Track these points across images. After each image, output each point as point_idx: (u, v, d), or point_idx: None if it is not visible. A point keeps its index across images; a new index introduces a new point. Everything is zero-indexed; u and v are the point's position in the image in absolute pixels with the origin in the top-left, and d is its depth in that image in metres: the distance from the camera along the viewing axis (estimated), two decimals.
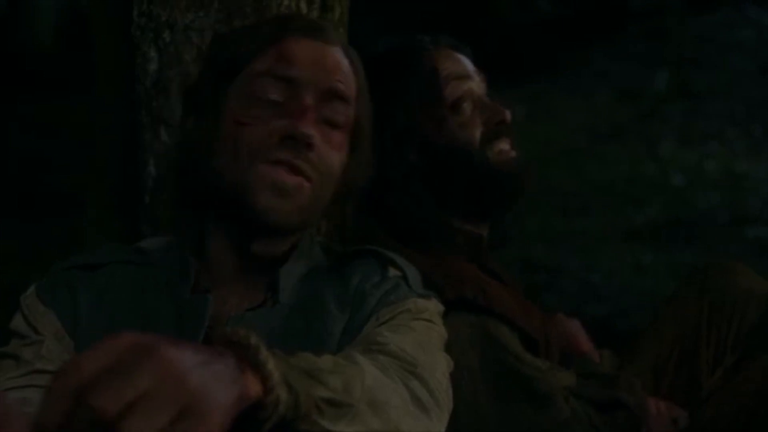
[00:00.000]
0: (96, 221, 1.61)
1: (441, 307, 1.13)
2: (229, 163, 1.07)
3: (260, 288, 1.10)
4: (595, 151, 4.98)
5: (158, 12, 1.39)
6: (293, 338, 1.03)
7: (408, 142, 1.39)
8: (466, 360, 1.26)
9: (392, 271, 1.12)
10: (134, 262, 1.15)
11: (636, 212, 4.31)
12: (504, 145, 1.44)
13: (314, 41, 1.12)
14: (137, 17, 1.42)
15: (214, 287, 1.10)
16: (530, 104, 5.04)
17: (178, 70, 1.39)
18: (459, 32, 1.55)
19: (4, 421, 0.66)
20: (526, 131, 4.23)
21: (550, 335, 1.42)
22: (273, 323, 1.05)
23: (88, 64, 1.63)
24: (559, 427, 1.29)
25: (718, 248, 3.75)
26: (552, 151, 4.75)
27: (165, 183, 1.41)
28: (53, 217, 3.67)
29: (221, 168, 1.08)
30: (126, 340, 0.64)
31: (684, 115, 5.29)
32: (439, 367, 1.01)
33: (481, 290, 1.31)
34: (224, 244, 1.12)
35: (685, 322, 1.50)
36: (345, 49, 1.15)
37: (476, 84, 1.44)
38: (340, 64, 1.13)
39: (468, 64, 1.46)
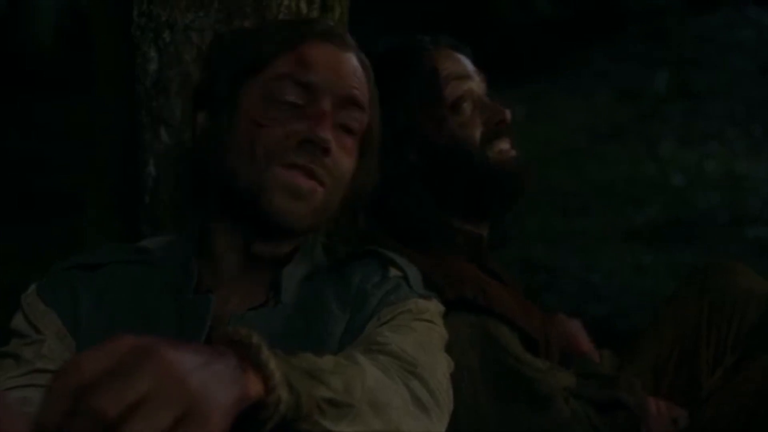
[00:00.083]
0: (96, 221, 1.60)
1: (441, 308, 1.13)
2: (244, 164, 1.08)
3: (262, 288, 1.10)
4: (595, 151, 4.98)
5: (158, 12, 1.39)
6: (294, 338, 1.03)
7: (408, 142, 1.39)
8: (466, 360, 1.26)
9: (393, 272, 1.12)
10: (135, 261, 1.15)
11: (636, 212, 4.31)
12: (504, 145, 1.44)
13: (332, 46, 1.13)
14: (137, 17, 1.42)
15: (216, 287, 1.10)
16: (530, 104, 5.04)
17: (178, 70, 1.39)
18: (459, 32, 1.55)
19: (4, 420, 0.66)
20: (526, 131, 4.23)
21: (550, 335, 1.42)
22: (274, 323, 1.05)
23: (88, 64, 1.63)
24: (558, 428, 1.29)
25: (718, 248, 3.75)
26: (552, 151, 4.75)
27: (166, 182, 1.41)
28: (53, 217, 3.67)
29: (235, 168, 1.09)
30: (126, 342, 0.64)
31: (684, 115, 5.30)
32: (439, 368, 1.01)
33: (481, 290, 1.31)
34: (228, 243, 1.12)
35: (685, 322, 1.50)
36: (359, 55, 1.16)
37: (476, 84, 1.44)
38: (356, 70, 1.14)
39: (468, 64, 1.46)
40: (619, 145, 5.04)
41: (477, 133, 1.41)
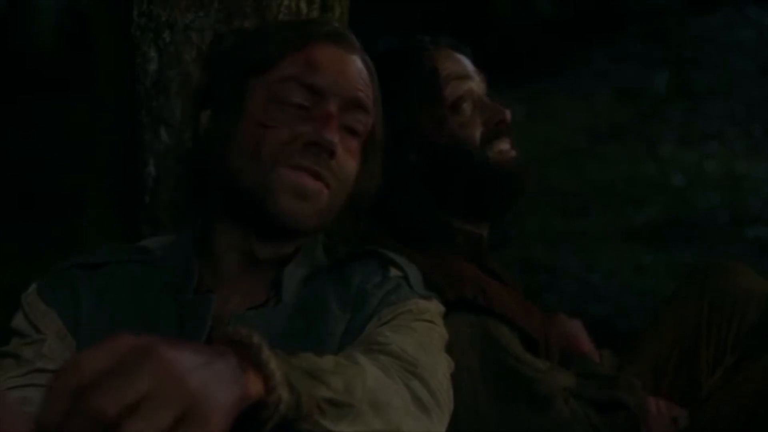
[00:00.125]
0: (96, 221, 1.60)
1: (442, 308, 1.13)
2: (248, 164, 1.08)
3: (263, 287, 1.10)
4: (595, 151, 4.98)
5: (158, 12, 1.39)
6: (295, 338, 1.03)
7: (408, 142, 1.39)
8: (466, 360, 1.26)
9: (393, 272, 1.12)
10: (136, 261, 1.15)
11: (636, 212, 4.31)
12: (504, 145, 1.44)
13: (338, 48, 1.13)
14: (137, 17, 1.42)
15: (217, 287, 1.10)
16: (530, 104, 5.04)
17: (178, 70, 1.39)
18: (459, 32, 1.55)
19: (4, 420, 0.66)
20: (526, 131, 4.23)
21: (550, 335, 1.42)
22: (275, 323, 1.05)
23: (88, 64, 1.63)
24: (558, 428, 1.28)
25: (718, 248, 3.75)
26: (552, 151, 4.75)
27: (166, 182, 1.41)
28: (53, 217, 3.67)
29: (239, 168, 1.09)
30: (126, 342, 0.64)
31: (684, 115, 5.30)
32: (440, 368, 1.01)
33: (481, 290, 1.31)
34: (229, 243, 1.12)
35: (685, 322, 1.50)
36: (363, 57, 1.16)
37: (476, 84, 1.44)
38: (362, 72, 1.14)
39: (468, 64, 1.46)
40: (619, 145, 5.04)
41: (477, 133, 1.41)
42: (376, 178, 1.19)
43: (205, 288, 1.10)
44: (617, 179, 4.64)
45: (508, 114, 1.43)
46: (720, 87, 5.49)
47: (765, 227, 4.01)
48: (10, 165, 4.43)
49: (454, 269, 1.33)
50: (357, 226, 1.19)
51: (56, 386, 0.62)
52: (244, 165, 1.08)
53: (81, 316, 1.08)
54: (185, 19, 1.38)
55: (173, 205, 1.40)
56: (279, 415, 0.74)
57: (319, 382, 0.80)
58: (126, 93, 1.49)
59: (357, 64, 1.14)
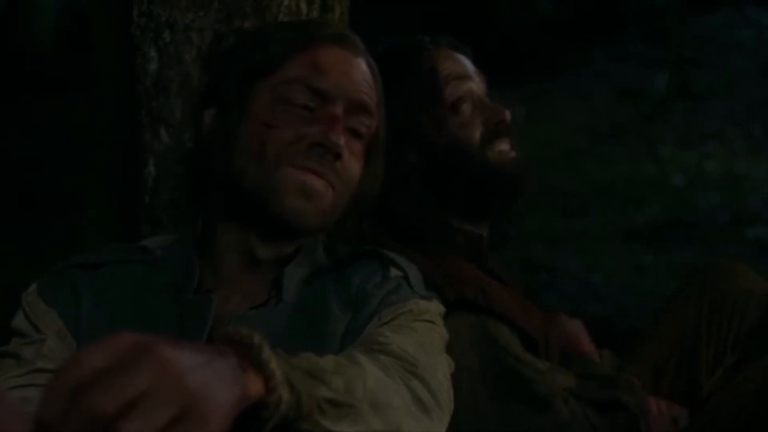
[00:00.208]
0: (96, 221, 1.60)
1: (442, 309, 1.13)
2: (253, 164, 1.08)
3: (263, 287, 1.10)
4: (595, 151, 4.98)
5: (158, 12, 1.39)
6: (295, 338, 1.03)
7: (408, 142, 1.39)
8: (466, 360, 1.26)
9: (394, 272, 1.12)
10: (136, 261, 1.15)
11: (636, 212, 4.31)
12: (504, 146, 1.44)
13: (343, 50, 1.14)
14: (137, 17, 1.42)
15: (217, 286, 1.10)
16: (530, 104, 5.04)
17: (178, 70, 1.39)
18: (459, 32, 1.55)
19: (4, 420, 0.66)
20: (526, 131, 4.23)
21: (550, 335, 1.42)
22: (275, 322, 1.05)
23: (88, 64, 1.63)
24: (558, 428, 1.29)
25: (718, 248, 3.75)
26: (552, 151, 4.75)
27: (166, 182, 1.41)
28: (53, 217, 3.67)
29: (243, 168, 1.09)
30: (126, 340, 0.64)
31: (684, 116, 5.30)
32: (440, 368, 1.01)
33: (481, 290, 1.31)
34: (230, 243, 1.12)
35: (685, 322, 1.50)
36: (368, 59, 1.17)
37: (476, 84, 1.44)
38: (366, 75, 1.15)
39: (468, 64, 1.46)
40: (619, 145, 5.04)
41: (477, 134, 1.41)
42: (379, 180, 1.20)
43: (205, 288, 1.10)
44: (617, 179, 4.64)
45: (507, 114, 1.43)
46: (720, 87, 5.49)
47: (765, 227, 4.01)
48: (10, 165, 4.43)
49: (454, 269, 1.33)
50: (359, 227, 1.20)
51: (56, 384, 0.62)
52: (247, 165, 1.09)
53: (81, 316, 1.08)
54: (185, 19, 1.38)
55: (173, 205, 1.40)
56: (279, 415, 0.74)
57: (320, 382, 0.80)
58: (126, 93, 1.49)
59: (362, 67, 1.15)
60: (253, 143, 1.09)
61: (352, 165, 1.13)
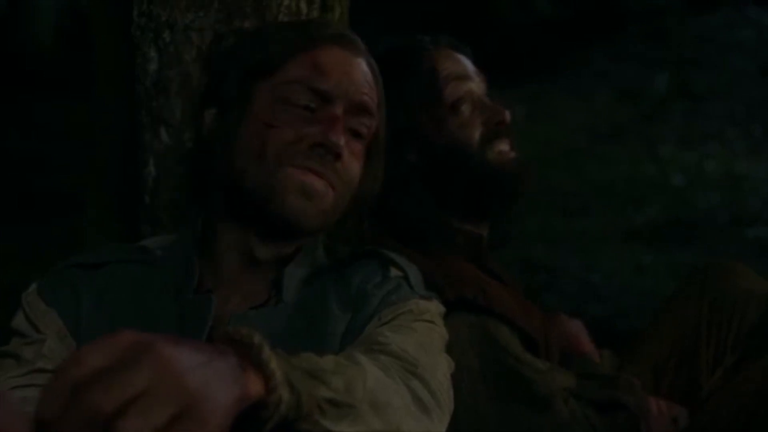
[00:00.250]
0: (96, 221, 1.60)
1: (442, 309, 1.13)
2: (253, 164, 1.08)
3: (263, 287, 1.10)
4: (595, 151, 4.98)
5: (158, 12, 1.39)
6: (295, 338, 1.03)
7: (408, 142, 1.39)
8: (466, 360, 1.26)
9: (394, 272, 1.12)
10: (136, 261, 1.15)
11: (636, 212, 4.31)
12: (503, 146, 1.44)
13: (344, 51, 1.14)
14: (137, 17, 1.42)
15: (217, 286, 1.10)
16: (530, 104, 5.04)
17: (178, 70, 1.39)
18: (459, 32, 1.55)
19: (4, 420, 0.66)
20: (526, 131, 4.23)
21: (550, 335, 1.42)
22: (275, 322, 1.05)
23: (88, 64, 1.63)
24: (558, 428, 1.29)
25: (718, 248, 3.75)
26: (552, 151, 4.75)
27: (166, 182, 1.41)
28: (53, 217, 3.67)
29: (243, 168, 1.09)
30: (126, 338, 0.64)
31: (684, 116, 5.30)
32: (440, 368, 1.01)
33: (481, 290, 1.31)
34: (230, 243, 1.12)
35: (685, 322, 1.50)
36: (368, 60, 1.17)
37: (476, 84, 1.44)
38: (367, 76, 1.15)
39: (468, 64, 1.46)
40: (619, 145, 5.04)
41: (476, 134, 1.41)
42: (379, 180, 1.20)
43: (205, 288, 1.10)
44: (617, 179, 4.64)
45: (507, 115, 1.43)
46: (720, 87, 5.49)
47: (765, 227, 4.01)
48: (10, 165, 4.43)
49: (454, 269, 1.33)
50: (360, 228, 1.20)
51: (55, 382, 0.62)
52: (248, 165, 1.09)
53: (81, 316, 1.08)
54: (185, 19, 1.38)
55: (173, 205, 1.40)
56: (279, 415, 0.74)
57: (320, 382, 0.80)
58: (126, 93, 1.49)
59: (362, 68, 1.15)
60: (253, 143, 1.09)
61: (353, 165, 1.13)
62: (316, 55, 1.12)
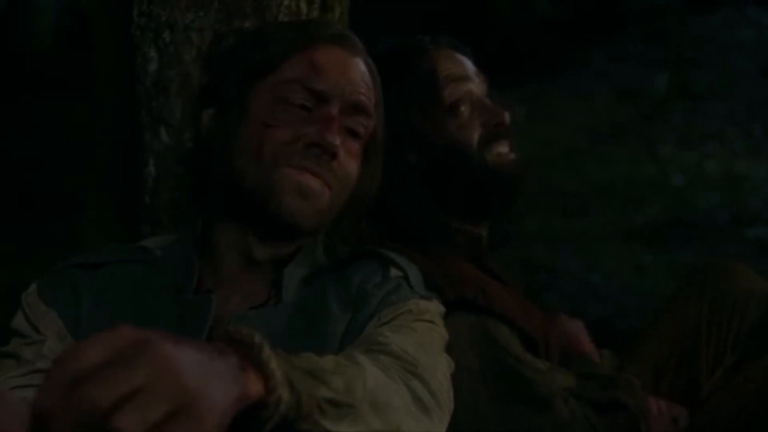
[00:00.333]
0: (96, 221, 1.60)
1: (442, 309, 1.13)
2: (251, 164, 1.09)
3: (263, 287, 1.11)
4: (595, 151, 4.98)
5: (158, 12, 1.39)
6: (295, 338, 1.03)
7: (407, 142, 1.39)
8: (466, 360, 1.26)
9: (394, 272, 1.12)
10: (136, 261, 1.15)
11: (636, 212, 4.31)
12: (502, 148, 1.44)
13: (342, 51, 1.14)
14: (137, 17, 1.42)
15: (217, 286, 1.10)
16: (530, 104, 5.04)
17: (178, 70, 1.39)
18: (459, 32, 1.55)
19: (4, 420, 0.66)
20: (526, 131, 4.23)
21: (550, 335, 1.42)
22: (275, 322, 1.05)
23: (88, 64, 1.63)
24: (558, 428, 1.28)
25: (718, 248, 3.75)
26: (552, 151, 4.75)
27: (166, 182, 1.41)
28: (53, 217, 3.67)
29: (242, 168, 1.09)
30: (125, 334, 0.64)
31: (684, 116, 5.30)
32: (440, 368, 1.01)
33: (481, 290, 1.31)
34: (230, 243, 1.12)
35: (685, 322, 1.50)
36: (366, 60, 1.17)
37: (476, 85, 1.44)
38: (364, 75, 1.15)
39: (468, 64, 1.46)
40: (619, 145, 5.04)
41: (475, 135, 1.41)
42: (377, 180, 1.20)
43: (205, 288, 1.10)
44: (617, 179, 4.64)
45: (506, 116, 1.43)
46: (720, 87, 5.49)
47: (765, 227, 4.01)
48: (10, 165, 4.43)
49: (454, 269, 1.32)
50: (357, 227, 1.20)
51: (54, 375, 0.62)
52: (246, 165, 1.09)
53: (81, 316, 1.08)
54: (185, 19, 1.38)
55: (173, 205, 1.40)
56: (279, 415, 0.74)
57: (320, 382, 0.80)
58: (126, 93, 1.49)
59: (360, 67, 1.15)
60: (252, 143, 1.09)
61: (349, 165, 1.13)
62: (314, 54, 1.12)
